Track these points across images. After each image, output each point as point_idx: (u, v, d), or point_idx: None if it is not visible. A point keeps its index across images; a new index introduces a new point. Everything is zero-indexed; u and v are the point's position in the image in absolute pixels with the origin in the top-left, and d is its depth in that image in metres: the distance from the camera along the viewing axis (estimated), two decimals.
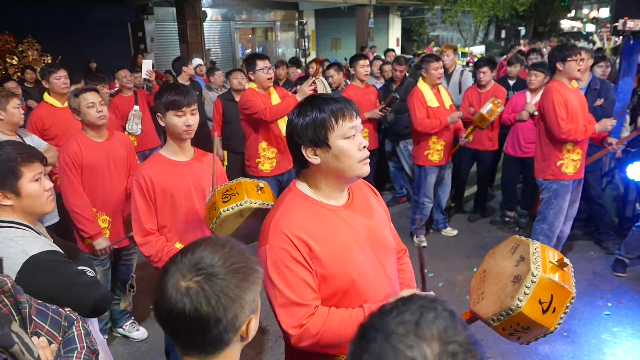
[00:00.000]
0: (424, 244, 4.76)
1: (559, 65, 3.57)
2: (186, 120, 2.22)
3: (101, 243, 2.95)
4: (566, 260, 1.26)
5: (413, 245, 4.75)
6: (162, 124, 2.27)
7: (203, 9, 11.14)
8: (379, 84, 6.05)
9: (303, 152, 1.47)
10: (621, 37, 4.56)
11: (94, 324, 1.84)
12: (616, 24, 4.27)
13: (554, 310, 1.20)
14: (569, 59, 3.50)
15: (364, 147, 1.48)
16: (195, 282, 0.92)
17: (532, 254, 1.26)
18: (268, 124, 3.89)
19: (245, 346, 1.05)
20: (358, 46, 14.68)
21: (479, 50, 17.55)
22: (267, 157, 4.06)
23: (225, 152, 5.18)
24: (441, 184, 4.84)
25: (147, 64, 5.69)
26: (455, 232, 5.03)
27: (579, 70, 3.58)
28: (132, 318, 3.52)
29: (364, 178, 1.61)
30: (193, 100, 2.25)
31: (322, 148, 1.45)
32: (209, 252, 0.97)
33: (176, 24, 10.45)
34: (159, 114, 2.27)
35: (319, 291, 1.45)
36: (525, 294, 1.19)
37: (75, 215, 2.90)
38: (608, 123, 3.67)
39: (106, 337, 3.28)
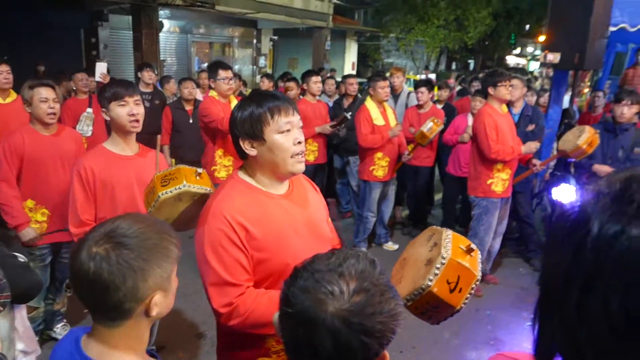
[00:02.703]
0: None
1: (490, 90, 3.86)
2: (130, 109, 2.27)
3: (28, 233, 2.90)
4: (473, 246, 1.41)
5: None
6: (107, 118, 2.30)
7: (160, 19, 11.09)
8: (331, 102, 6.24)
9: (241, 143, 1.56)
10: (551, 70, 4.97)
11: (21, 311, 1.82)
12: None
13: (460, 291, 1.33)
14: (499, 84, 3.79)
15: (299, 142, 1.58)
16: (104, 248, 0.99)
17: (444, 239, 1.39)
18: (225, 132, 3.94)
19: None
20: (315, 67, 15.00)
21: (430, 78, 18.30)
22: (224, 165, 4.10)
23: (174, 160, 5.17)
24: (385, 199, 5.02)
25: (101, 67, 5.64)
26: (396, 247, 5.20)
27: (508, 94, 3.87)
28: (65, 320, 3.41)
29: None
30: (136, 91, 2.31)
31: (258, 141, 1.54)
32: (127, 224, 1.04)
33: (131, 32, 10.35)
34: (103, 109, 2.30)
35: (254, 273, 1.53)
36: (435, 274, 1.31)
37: (1, 204, 2.86)
38: (533, 145, 3.98)
39: (37, 339, 3.17)
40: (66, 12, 10.39)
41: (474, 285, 1.36)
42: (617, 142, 4.15)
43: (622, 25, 4.69)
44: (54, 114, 2.91)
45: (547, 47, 4.58)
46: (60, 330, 3.35)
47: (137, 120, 2.30)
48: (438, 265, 1.32)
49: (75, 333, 1.11)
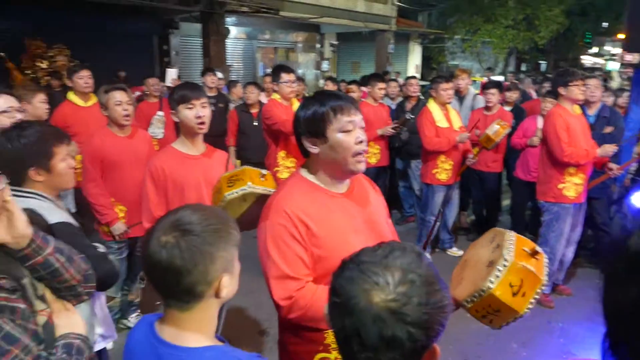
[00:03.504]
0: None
1: (561, 90, 3.67)
2: (197, 112, 2.37)
3: (119, 227, 3.16)
4: (538, 249, 1.35)
5: None
6: (177, 120, 2.42)
7: (227, 26, 11.51)
8: (394, 104, 6.20)
9: (303, 141, 1.61)
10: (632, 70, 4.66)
11: (101, 298, 1.96)
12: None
13: (523, 295, 1.28)
14: (570, 84, 3.60)
15: (361, 141, 1.59)
16: (173, 236, 1.05)
17: (507, 241, 1.35)
18: (287, 134, 4.03)
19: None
20: (378, 70, 14.94)
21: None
22: (286, 167, 4.19)
23: (239, 161, 5.35)
24: (449, 203, 4.91)
25: (171, 73, 5.96)
26: (460, 253, 5.06)
27: (581, 94, 3.67)
28: (139, 311, 3.63)
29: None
30: (202, 95, 2.41)
31: (320, 139, 1.57)
32: (190, 212, 1.10)
33: (200, 39, 10.81)
34: (172, 111, 2.42)
35: (314, 270, 1.56)
36: (496, 276, 1.28)
37: (92, 204, 3.09)
38: (609, 149, 3.73)
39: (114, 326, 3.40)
40: (140, 21, 11.02)
41: (539, 290, 1.30)
42: None
43: None
44: (128, 115, 3.11)
45: (626, 46, 4.30)
46: (134, 319, 3.57)
47: (204, 122, 2.40)
48: (500, 268, 1.28)
49: (149, 318, 1.19)
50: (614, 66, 26.14)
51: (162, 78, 6.24)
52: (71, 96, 4.31)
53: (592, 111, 4.46)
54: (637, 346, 0.47)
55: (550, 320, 3.84)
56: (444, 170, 4.65)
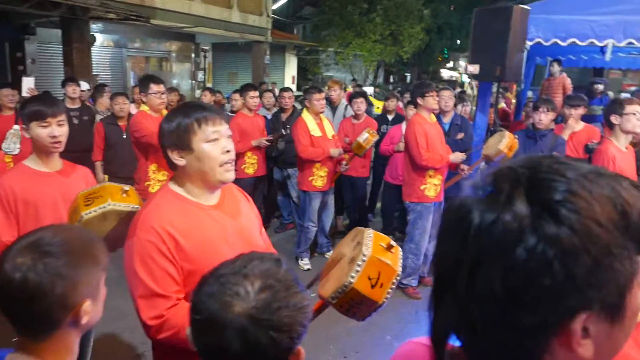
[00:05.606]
0: (308, 266, 4.96)
1: (419, 100, 4.06)
2: (51, 131, 2.16)
3: None
4: (393, 243, 1.49)
5: (297, 268, 4.93)
6: (27, 136, 2.21)
7: (92, 33, 10.75)
8: (270, 114, 6.29)
9: (169, 154, 1.58)
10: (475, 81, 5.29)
11: None
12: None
13: (381, 286, 1.40)
14: (426, 94, 4.00)
15: (228, 151, 1.60)
16: (30, 258, 0.98)
17: (366, 238, 1.46)
18: (158, 147, 3.85)
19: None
20: (254, 81, 15.00)
21: (368, 91, 18.80)
22: (158, 180, 4.01)
23: (107, 177, 5.01)
24: (325, 209, 5.10)
25: (28, 82, 5.42)
26: None
27: (435, 103, 4.09)
28: None
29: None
30: (59, 111, 2.20)
31: (186, 151, 1.56)
32: (51, 233, 1.03)
33: (61, 46, 9.95)
34: (23, 125, 2.20)
35: (185, 285, 1.52)
36: (357, 271, 1.38)
37: None
38: (459, 156, 4.22)
39: None
40: None
41: (394, 280, 1.43)
42: (537, 147, 4.44)
43: (537, 39, 5.06)
44: None
45: (470, 60, 4.87)
46: None
47: (60, 142, 2.20)
48: (359, 263, 1.38)
49: (1, 354, 1.07)
50: (466, 78, 29.29)
51: (17, 87, 5.63)
52: None
53: (447, 119, 4.98)
54: (458, 290, 0.57)
55: (417, 310, 4.16)
56: (319, 177, 4.82)
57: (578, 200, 0.53)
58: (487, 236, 0.55)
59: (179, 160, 1.58)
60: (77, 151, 4.30)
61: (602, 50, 5.23)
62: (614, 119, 3.32)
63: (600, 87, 7.26)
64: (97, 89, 6.87)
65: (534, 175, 0.56)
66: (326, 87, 6.10)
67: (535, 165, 0.58)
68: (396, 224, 5.79)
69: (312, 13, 22.55)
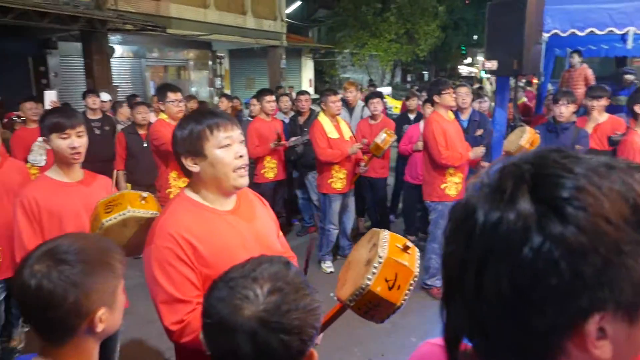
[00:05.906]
0: (331, 269, 4.95)
1: (436, 98, 4.02)
2: (71, 142, 2.21)
3: None
4: (409, 244, 1.47)
5: (320, 271, 4.93)
6: (47, 147, 2.26)
7: (111, 44, 10.97)
8: (287, 118, 6.31)
9: (183, 161, 1.60)
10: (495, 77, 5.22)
11: None
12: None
13: (399, 287, 1.39)
14: (442, 92, 3.95)
15: (241, 156, 1.61)
16: (46, 265, 1.00)
17: (381, 239, 1.45)
18: None
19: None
20: (272, 86, 15.11)
21: (385, 91, 18.74)
22: (179, 187, 4.06)
23: (129, 185, 5.10)
24: (345, 211, 5.08)
25: (50, 95, 5.56)
26: None
27: (452, 100, 4.04)
28: None
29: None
30: (78, 122, 2.25)
31: (199, 157, 1.58)
32: (67, 242, 1.05)
33: (82, 59, 10.19)
34: (44, 137, 2.26)
35: (204, 290, 1.54)
36: (373, 273, 1.37)
37: None
38: (479, 151, 4.15)
39: None
40: (11, 40, 10.14)
41: (412, 282, 1.42)
42: (559, 141, 4.35)
43: (554, 31, 4.95)
44: None
45: (486, 55, 4.80)
46: None
47: (79, 153, 2.25)
48: (376, 265, 1.37)
49: (26, 358, 1.10)
50: (485, 74, 28.90)
51: (40, 101, 5.78)
52: None
53: (465, 116, 4.91)
54: (466, 289, 0.56)
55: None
56: (338, 179, 4.82)
57: (585, 197, 0.51)
58: (492, 235, 0.53)
59: (193, 166, 1.60)
60: (99, 161, 4.39)
61: (623, 38, 5.08)
62: (638, 108, 3.23)
63: (631, 77, 7.07)
64: (117, 103, 7.01)
65: (539, 172, 0.54)
66: (342, 89, 6.09)
67: (541, 160, 0.56)
68: (418, 224, 5.74)
69: (326, 15, 22.56)
